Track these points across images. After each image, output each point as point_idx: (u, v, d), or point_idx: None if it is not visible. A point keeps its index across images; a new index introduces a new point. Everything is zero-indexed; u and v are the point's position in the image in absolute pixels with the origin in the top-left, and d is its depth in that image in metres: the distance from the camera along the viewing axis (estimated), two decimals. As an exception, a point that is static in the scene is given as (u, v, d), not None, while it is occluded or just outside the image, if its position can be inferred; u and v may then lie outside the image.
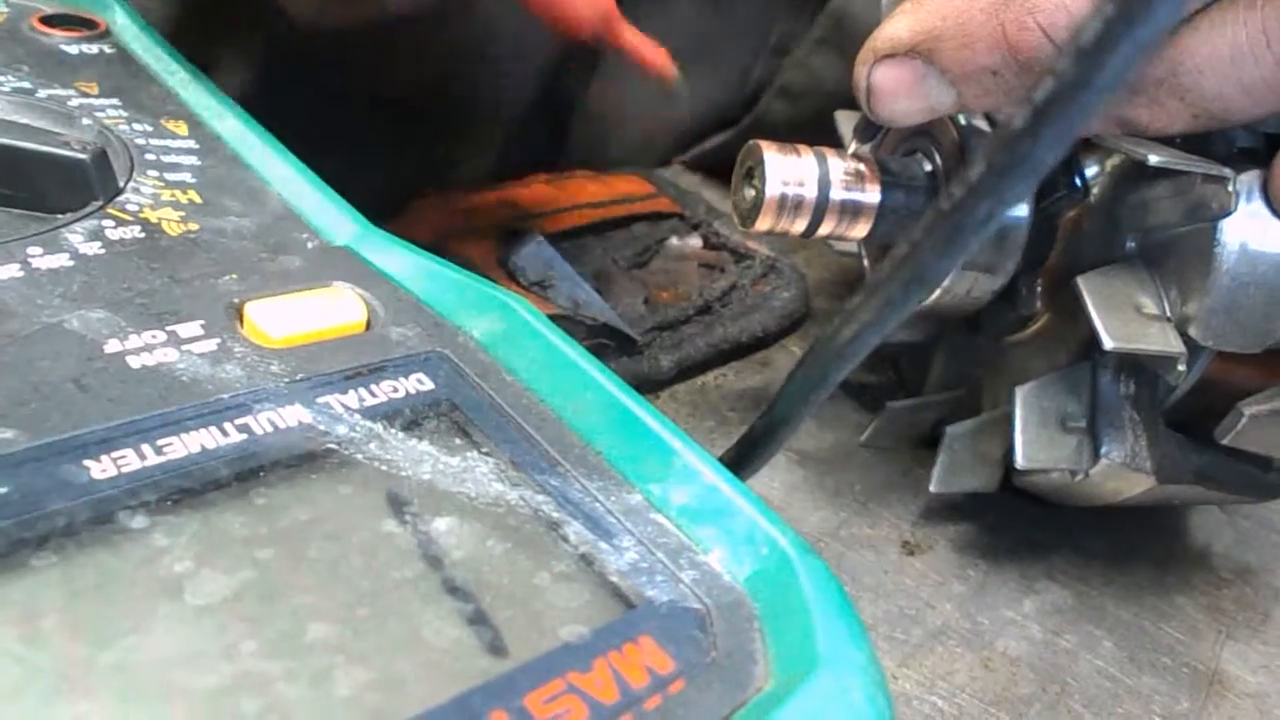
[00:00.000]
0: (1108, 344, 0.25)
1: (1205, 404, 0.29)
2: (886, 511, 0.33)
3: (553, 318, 0.23)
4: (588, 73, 0.48)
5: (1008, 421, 0.28)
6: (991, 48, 0.23)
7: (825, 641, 0.16)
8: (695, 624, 0.16)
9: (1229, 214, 0.25)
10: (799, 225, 0.28)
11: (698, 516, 0.18)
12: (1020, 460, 0.28)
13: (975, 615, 0.30)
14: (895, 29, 0.25)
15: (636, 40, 0.32)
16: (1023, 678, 0.28)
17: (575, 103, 0.53)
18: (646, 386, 0.35)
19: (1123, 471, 0.28)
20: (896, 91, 0.26)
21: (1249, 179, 0.25)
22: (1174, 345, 0.26)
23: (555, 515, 0.18)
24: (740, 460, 0.22)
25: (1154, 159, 0.24)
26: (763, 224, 0.28)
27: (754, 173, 0.28)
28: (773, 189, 0.28)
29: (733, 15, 0.32)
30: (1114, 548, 0.33)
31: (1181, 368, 0.26)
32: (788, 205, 0.28)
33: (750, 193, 0.28)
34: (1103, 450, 0.28)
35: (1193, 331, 0.26)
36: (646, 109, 0.52)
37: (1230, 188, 0.24)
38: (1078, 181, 0.29)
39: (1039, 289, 0.31)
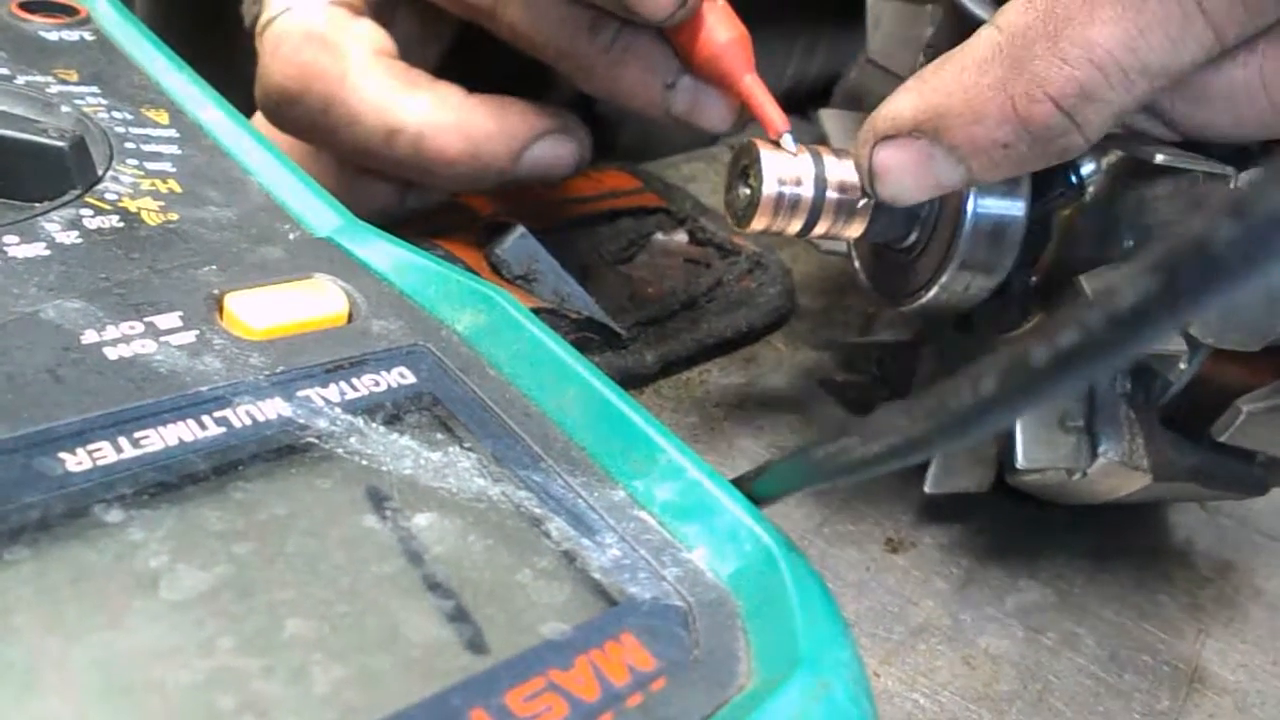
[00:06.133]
0: None
1: (1196, 402, 0.29)
2: (869, 508, 0.33)
3: (536, 312, 0.23)
4: None
5: (1004, 421, 0.28)
6: (1002, 122, 0.23)
7: (808, 640, 0.16)
8: (678, 621, 0.16)
9: None
10: (794, 225, 0.28)
11: (681, 513, 0.18)
12: (1021, 460, 0.28)
13: (957, 613, 0.30)
14: (898, 108, 0.25)
15: (757, 90, 0.31)
16: (1004, 675, 0.28)
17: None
18: (630, 382, 0.35)
19: (1120, 470, 0.28)
20: (902, 172, 0.25)
21: (1249, 178, 0.25)
22: (1175, 343, 0.26)
23: (537, 511, 0.17)
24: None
25: (1160, 157, 0.24)
26: (758, 224, 0.28)
27: (749, 171, 0.28)
28: (769, 188, 0.27)
29: (765, 15, 0.33)
30: (1096, 546, 0.33)
31: (1183, 365, 0.26)
32: (784, 205, 0.27)
33: (746, 191, 0.28)
34: (1101, 449, 0.28)
35: (1193, 329, 0.26)
36: None
37: (1231, 185, 0.24)
38: (1074, 179, 0.29)
39: (1033, 287, 0.31)
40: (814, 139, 0.30)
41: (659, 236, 0.42)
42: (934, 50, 0.29)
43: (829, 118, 0.34)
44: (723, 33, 0.31)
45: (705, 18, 0.31)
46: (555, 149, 0.35)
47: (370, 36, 0.34)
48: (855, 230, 0.29)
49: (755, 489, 0.18)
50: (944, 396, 0.14)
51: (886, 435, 0.15)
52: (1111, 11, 0.22)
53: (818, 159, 0.28)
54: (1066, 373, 0.12)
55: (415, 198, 0.38)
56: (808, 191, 0.27)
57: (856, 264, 0.33)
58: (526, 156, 0.34)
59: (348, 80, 0.33)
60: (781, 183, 0.27)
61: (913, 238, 0.30)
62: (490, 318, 0.21)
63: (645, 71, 0.32)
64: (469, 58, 0.39)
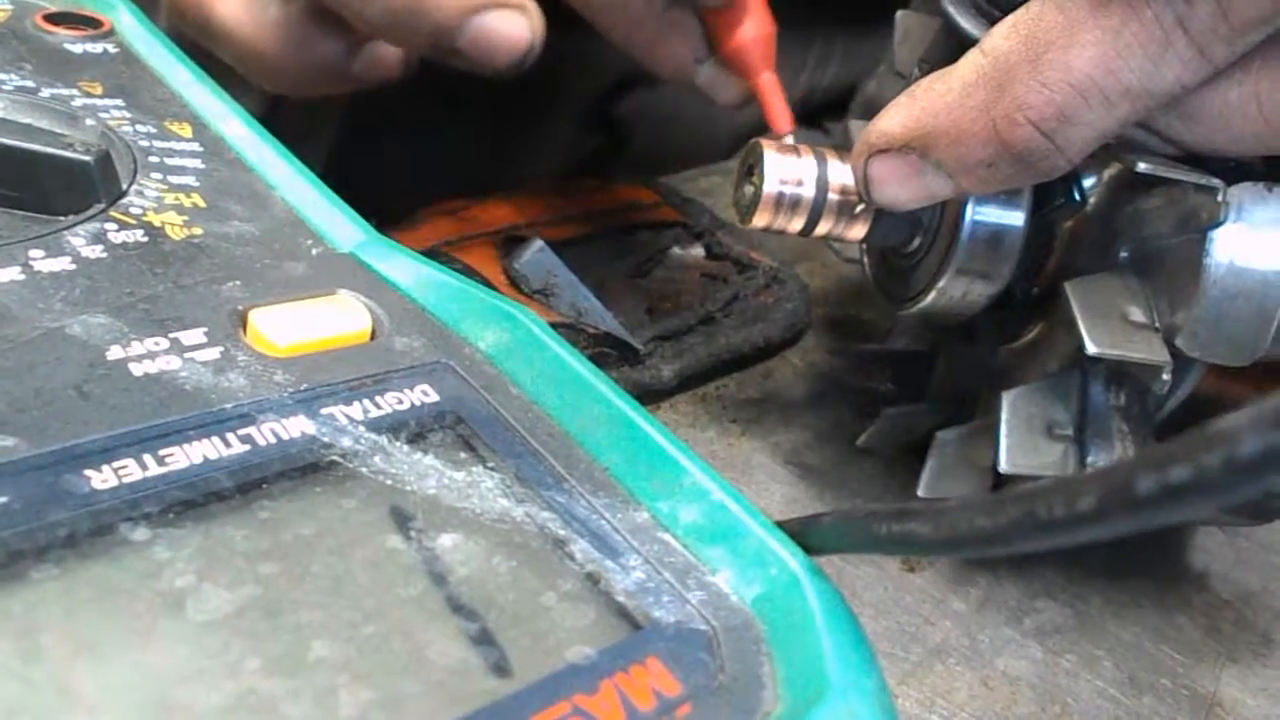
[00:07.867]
0: (1091, 349, 0.25)
1: (1196, 419, 0.28)
2: (887, 527, 0.32)
3: (554, 326, 0.23)
4: (650, 80, 0.50)
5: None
6: (984, 143, 0.24)
7: (835, 665, 0.15)
8: (702, 646, 0.16)
9: (1219, 225, 0.25)
10: (796, 224, 0.29)
11: (705, 535, 0.18)
12: (1003, 464, 0.28)
13: (975, 633, 0.29)
14: (889, 124, 0.26)
15: (771, 87, 0.34)
16: (1022, 697, 0.28)
17: (637, 108, 0.55)
18: (647, 396, 0.35)
19: (1109, 482, 0.28)
20: (894, 182, 0.26)
21: (1239, 191, 0.25)
22: (1158, 354, 0.26)
23: (561, 533, 0.17)
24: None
25: (1143, 166, 0.25)
26: (759, 221, 0.29)
27: (754, 170, 0.29)
28: (770, 187, 0.28)
29: (780, 23, 0.34)
30: (1114, 567, 0.33)
31: (1166, 377, 0.26)
32: (785, 203, 0.28)
33: (749, 189, 0.29)
34: (1089, 459, 0.28)
35: (1180, 342, 0.26)
36: (704, 113, 0.54)
37: (1220, 198, 0.25)
38: (1075, 191, 0.29)
39: (1036, 298, 0.31)
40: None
41: (676, 250, 0.42)
42: (928, 65, 0.30)
43: (857, 129, 0.34)
44: (751, 28, 0.33)
45: (739, 10, 0.33)
46: (509, 25, 0.32)
47: None
48: (857, 233, 0.29)
49: (809, 538, 0.18)
50: (1032, 503, 0.13)
51: (960, 526, 0.15)
52: (1091, 35, 0.22)
53: (821, 161, 0.29)
54: (1169, 507, 0.12)
55: (362, 64, 0.35)
56: (808, 192, 0.28)
57: (868, 269, 0.34)
58: (475, 21, 0.32)
59: None
60: (783, 182, 0.28)
61: (915, 243, 0.30)
62: (513, 335, 0.21)
63: (683, 43, 0.34)
64: None
